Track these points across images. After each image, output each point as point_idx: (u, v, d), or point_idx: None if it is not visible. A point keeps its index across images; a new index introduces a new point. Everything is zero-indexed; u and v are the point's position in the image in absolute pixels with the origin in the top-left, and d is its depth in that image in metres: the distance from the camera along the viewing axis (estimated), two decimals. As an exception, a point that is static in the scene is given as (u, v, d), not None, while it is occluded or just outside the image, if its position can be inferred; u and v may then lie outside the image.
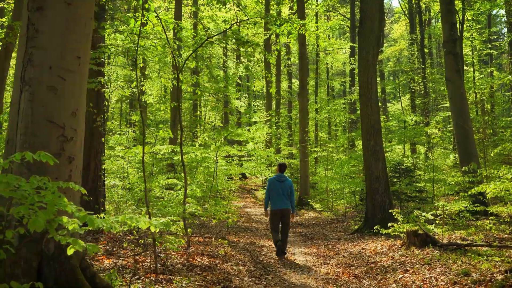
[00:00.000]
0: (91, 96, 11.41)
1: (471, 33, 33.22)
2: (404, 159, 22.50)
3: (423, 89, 35.46)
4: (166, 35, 10.55)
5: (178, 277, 7.66)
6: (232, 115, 42.20)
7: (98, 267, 8.03)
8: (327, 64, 47.67)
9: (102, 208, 11.42)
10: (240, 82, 43.49)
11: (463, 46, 29.48)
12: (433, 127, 21.82)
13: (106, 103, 14.85)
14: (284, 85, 42.72)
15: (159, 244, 8.18)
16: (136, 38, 9.35)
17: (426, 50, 39.06)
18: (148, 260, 8.81)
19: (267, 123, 32.32)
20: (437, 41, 44.84)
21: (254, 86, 44.40)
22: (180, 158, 15.85)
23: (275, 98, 37.34)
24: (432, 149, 25.75)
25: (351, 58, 37.34)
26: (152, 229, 4.18)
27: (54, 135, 5.51)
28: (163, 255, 9.38)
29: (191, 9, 34.39)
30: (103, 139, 11.47)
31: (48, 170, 5.34)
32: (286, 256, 11.48)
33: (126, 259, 8.85)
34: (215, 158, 16.09)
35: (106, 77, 10.82)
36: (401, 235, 12.10)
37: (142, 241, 10.39)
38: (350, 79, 39.46)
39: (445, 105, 30.54)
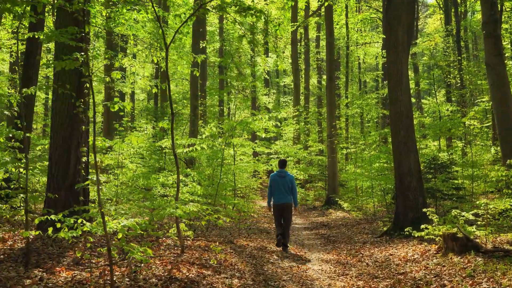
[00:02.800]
0: (69, 76, 9.62)
1: (510, 24, 30.59)
2: (440, 154, 20.31)
3: (459, 81, 32.90)
4: (153, 4, 8.67)
5: (142, 298, 5.76)
6: (259, 111, 40.29)
7: (45, 283, 6.17)
8: (359, 59, 45.40)
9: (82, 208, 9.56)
10: (268, 78, 41.65)
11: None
12: (472, 117, 19.41)
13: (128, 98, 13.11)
14: (314, 81, 40.77)
15: (116, 255, 6.24)
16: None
17: (462, 43, 36.46)
18: (122, 271, 6.95)
19: (295, 119, 30.39)
20: (473, 33, 42.27)
21: (282, 82, 42.54)
22: (191, 151, 14.09)
23: (304, 93, 35.39)
24: (471, 143, 23.31)
25: (383, 51, 34.89)
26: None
27: None
28: (142, 265, 7.49)
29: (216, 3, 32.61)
30: (84, 127, 9.59)
31: None
32: (289, 249, 11.27)
33: (95, 269, 6.98)
34: (223, 151, 14.07)
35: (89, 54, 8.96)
36: (437, 238, 9.97)
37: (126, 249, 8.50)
38: (383, 72, 37.13)
39: (483, 99, 28.13)
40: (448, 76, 33.23)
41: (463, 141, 24.70)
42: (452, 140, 29.12)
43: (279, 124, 20.55)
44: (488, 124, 26.41)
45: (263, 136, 15.27)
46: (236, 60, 36.07)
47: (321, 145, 29.23)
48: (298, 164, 28.71)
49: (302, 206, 24.56)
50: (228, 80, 35.34)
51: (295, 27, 30.34)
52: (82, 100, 9.52)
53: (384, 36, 32.47)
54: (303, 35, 37.43)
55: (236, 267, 8.39)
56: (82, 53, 8.73)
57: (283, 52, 46.02)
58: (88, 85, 9.51)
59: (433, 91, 41.50)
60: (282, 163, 11.92)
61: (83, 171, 9.64)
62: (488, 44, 16.08)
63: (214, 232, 13.78)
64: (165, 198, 12.27)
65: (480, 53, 40.88)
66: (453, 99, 33.90)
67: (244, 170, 19.58)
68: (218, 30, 35.41)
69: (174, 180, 12.16)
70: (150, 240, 10.36)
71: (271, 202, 11.72)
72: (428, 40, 43.68)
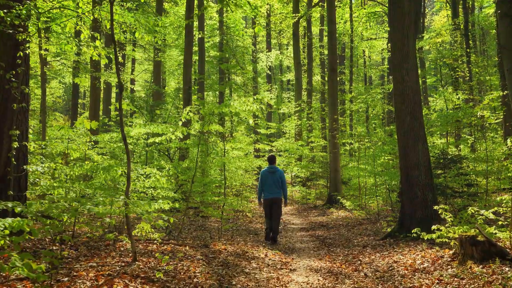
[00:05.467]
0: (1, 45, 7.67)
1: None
2: (448, 148, 18.34)
3: (468, 75, 30.74)
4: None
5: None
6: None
7: None
8: (364, 55, 43.43)
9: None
10: (270, 74, 39.71)
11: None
12: (486, 105, 17.35)
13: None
14: (317, 77, 38.88)
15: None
16: None
17: (469, 36, 34.35)
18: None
19: (297, 115, 28.42)
20: (482, 29, 40.28)
21: (285, 78, 40.57)
22: (186, 143, 12.13)
23: (307, 89, 33.46)
24: (484, 135, 21.22)
25: (388, 44, 32.86)
26: None
27: None
28: (66, 279, 5.54)
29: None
30: (14, 105, 7.61)
31: None
32: (278, 242, 11.40)
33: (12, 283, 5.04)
34: (200, 140, 12.00)
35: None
36: (451, 242, 7.94)
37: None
38: (388, 66, 35.16)
39: (491, 96, 26.10)
40: (457, 69, 31.14)
41: (474, 135, 22.70)
42: (462, 136, 27.18)
43: (263, 107, 18.45)
44: (498, 121, 24.38)
45: (250, 122, 13.40)
46: (239, 56, 34.17)
47: (324, 141, 27.24)
48: (300, 161, 26.80)
49: (303, 205, 22.61)
50: (231, 76, 33.58)
51: (296, 18, 28.38)
52: (14, 72, 7.59)
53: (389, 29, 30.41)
54: (306, 29, 35.52)
55: (194, 280, 6.36)
56: (5, 10, 6.83)
57: (287, 49, 44.11)
58: (21, 54, 7.60)
59: (440, 88, 39.52)
60: (272, 159, 11.99)
61: (13, 159, 7.65)
62: (503, 25, 13.95)
63: (194, 234, 11.88)
64: (141, 194, 10.34)
65: (489, 49, 38.87)
66: (461, 95, 31.89)
67: (238, 166, 17.60)
68: (218, 24, 33.47)
69: (149, 172, 10.21)
70: (106, 243, 8.42)
71: (261, 197, 11.85)
72: (435, 37, 41.65)
